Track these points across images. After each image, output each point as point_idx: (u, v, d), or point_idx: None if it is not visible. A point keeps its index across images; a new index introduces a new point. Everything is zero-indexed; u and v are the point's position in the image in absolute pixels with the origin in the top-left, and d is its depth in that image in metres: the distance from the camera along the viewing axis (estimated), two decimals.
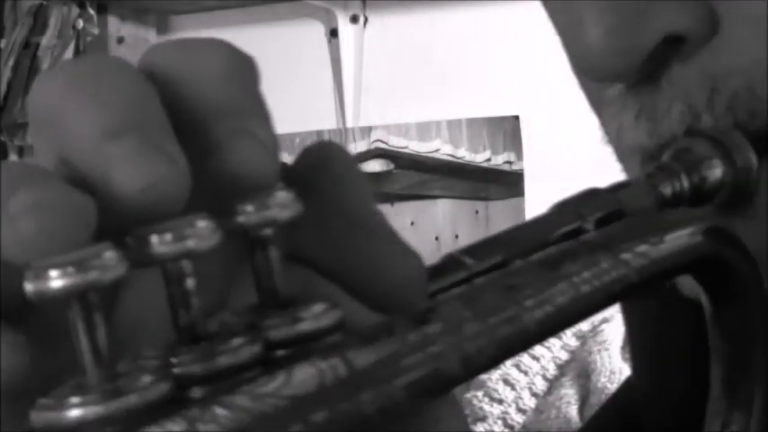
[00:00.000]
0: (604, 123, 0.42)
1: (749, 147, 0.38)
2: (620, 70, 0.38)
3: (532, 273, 0.30)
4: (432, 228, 2.29)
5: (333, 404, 0.25)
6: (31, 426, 0.24)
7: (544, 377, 1.20)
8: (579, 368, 1.18)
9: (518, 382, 1.21)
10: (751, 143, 0.38)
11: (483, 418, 1.17)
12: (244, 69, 0.28)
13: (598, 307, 0.32)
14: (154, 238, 0.25)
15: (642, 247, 0.32)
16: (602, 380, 1.11)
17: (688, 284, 0.39)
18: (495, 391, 1.20)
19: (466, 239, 2.26)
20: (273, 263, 0.28)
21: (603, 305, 0.32)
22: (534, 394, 1.20)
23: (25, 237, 0.24)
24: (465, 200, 2.29)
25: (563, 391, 1.09)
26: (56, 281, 0.24)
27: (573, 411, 1.07)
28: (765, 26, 0.37)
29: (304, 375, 0.25)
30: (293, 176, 0.28)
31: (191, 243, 0.25)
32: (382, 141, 2.31)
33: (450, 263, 0.31)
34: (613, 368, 1.14)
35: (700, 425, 0.37)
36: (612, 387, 1.08)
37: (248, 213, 0.27)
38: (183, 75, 0.28)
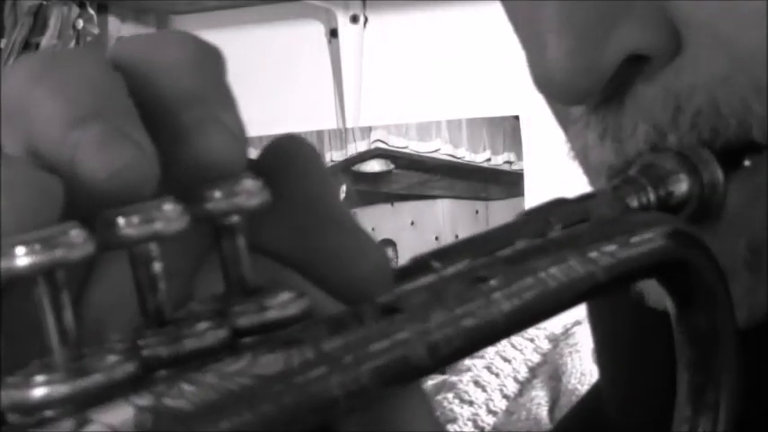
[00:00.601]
0: (570, 140, 0.43)
1: (715, 162, 0.38)
2: (582, 92, 0.38)
3: (500, 267, 0.30)
4: (432, 228, 2.30)
5: (300, 385, 0.25)
6: None
7: (515, 379, 1.21)
8: (551, 370, 1.19)
9: (489, 384, 1.21)
10: (717, 158, 0.38)
11: (453, 420, 1.18)
12: (209, 59, 0.29)
13: (565, 304, 0.32)
14: (121, 220, 0.26)
15: (609, 247, 0.33)
16: (573, 382, 1.12)
17: (653, 294, 0.40)
18: (466, 392, 1.20)
19: None
20: (240, 251, 0.28)
21: (571, 303, 0.32)
22: (505, 396, 1.20)
23: None
24: (465, 200, 2.29)
25: (534, 393, 1.10)
26: (22, 258, 0.24)
27: (543, 413, 1.07)
28: (728, 44, 0.37)
29: (271, 357, 0.25)
30: (257, 169, 0.28)
31: (158, 226, 0.26)
32: (382, 141, 2.31)
33: (418, 265, 0.31)
34: (584, 370, 1.14)
35: None
36: (583, 389, 1.09)
37: (216, 200, 0.27)
38: (149, 65, 0.28)
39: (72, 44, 2.16)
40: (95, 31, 2.19)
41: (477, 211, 2.29)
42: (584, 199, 0.37)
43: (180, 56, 0.28)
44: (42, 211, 0.25)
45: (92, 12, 2.19)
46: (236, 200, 0.27)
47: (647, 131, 0.39)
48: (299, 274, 0.29)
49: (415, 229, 2.30)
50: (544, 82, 0.38)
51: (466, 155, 2.28)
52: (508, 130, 2.26)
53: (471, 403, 1.20)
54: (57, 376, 0.24)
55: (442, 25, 2.23)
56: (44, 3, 2.15)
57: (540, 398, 1.13)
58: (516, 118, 2.24)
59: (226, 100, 0.28)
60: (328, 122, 2.33)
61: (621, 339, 0.49)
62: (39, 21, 2.16)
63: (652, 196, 0.38)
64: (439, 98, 2.25)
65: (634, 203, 0.38)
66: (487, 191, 2.28)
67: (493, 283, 0.30)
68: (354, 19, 2.29)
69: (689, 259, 0.35)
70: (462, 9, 2.18)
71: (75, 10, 2.17)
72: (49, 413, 0.24)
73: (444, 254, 0.32)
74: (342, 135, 2.33)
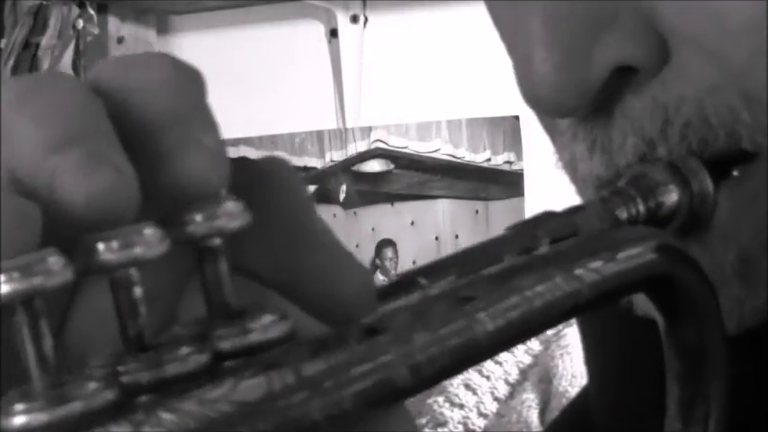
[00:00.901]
0: (558, 151, 0.42)
1: (705, 172, 0.38)
2: (570, 106, 0.38)
3: (484, 286, 0.30)
4: (432, 228, 2.29)
5: (280, 411, 0.25)
6: None
7: (506, 381, 1.20)
8: (542, 372, 1.18)
9: (480, 387, 1.21)
10: (707, 168, 0.38)
11: (444, 423, 1.18)
12: (188, 80, 0.29)
13: (551, 322, 0.32)
14: (101, 246, 0.25)
15: (595, 264, 0.32)
16: (564, 384, 1.12)
17: (642, 303, 0.40)
18: (456, 396, 1.20)
19: (466, 239, 2.26)
20: (222, 274, 0.28)
21: (557, 320, 0.32)
22: (496, 399, 1.20)
23: None
24: (465, 200, 2.29)
25: (524, 396, 1.09)
26: (1, 286, 0.24)
27: (534, 415, 1.07)
28: (715, 54, 0.37)
29: (252, 382, 0.25)
30: (236, 190, 0.28)
31: (138, 250, 0.26)
32: (382, 141, 2.31)
33: (404, 282, 0.31)
34: (575, 372, 1.14)
35: None
36: (573, 391, 1.08)
37: (197, 223, 0.27)
38: (128, 88, 0.28)
39: (72, 44, 2.16)
40: (95, 31, 2.19)
41: (477, 211, 2.29)
42: (572, 212, 0.37)
43: (159, 78, 0.28)
44: (20, 237, 0.25)
45: (92, 12, 2.19)
46: (217, 222, 0.27)
47: (636, 144, 0.38)
48: (282, 296, 0.29)
49: (415, 229, 2.30)
50: (531, 96, 0.38)
51: (466, 155, 2.28)
52: (508, 130, 2.26)
53: (462, 406, 1.20)
54: (36, 405, 0.24)
55: (442, 25, 2.23)
56: (44, 3, 2.15)
57: (530, 400, 1.13)
58: (516, 118, 2.24)
59: (205, 121, 0.28)
60: (328, 122, 2.33)
61: (610, 347, 0.49)
62: (39, 21, 2.16)
63: (641, 207, 0.38)
64: (439, 98, 2.25)
65: (623, 215, 0.38)
66: (487, 191, 2.28)
67: (477, 302, 0.29)
68: (354, 19, 2.29)
69: (675, 274, 0.35)
70: (462, 9, 2.18)
71: (75, 10, 2.17)
72: None
73: (431, 270, 0.32)
74: (342, 135, 2.33)
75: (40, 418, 0.24)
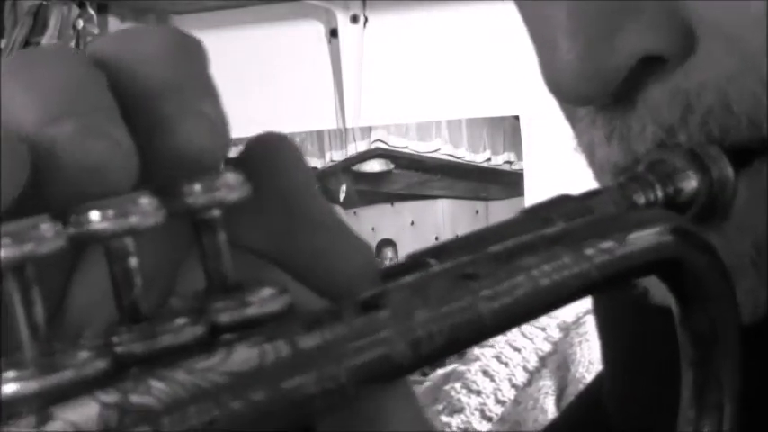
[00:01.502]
0: (576, 136, 0.42)
1: (725, 159, 0.37)
2: (592, 95, 0.37)
3: (489, 263, 0.30)
4: (432, 228, 2.29)
5: (273, 383, 0.25)
6: None
7: (525, 368, 1.19)
8: (560, 359, 1.18)
9: (498, 374, 1.20)
10: (727, 156, 0.38)
11: (460, 410, 1.17)
12: (190, 50, 0.29)
13: (558, 302, 0.31)
14: (95, 214, 0.25)
15: (605, 244, 0.32)
16: (581, 370, 1.11)
17: (658, 291, 0.39)
18: (474, 382, 1.19)
19: None
20: (221, 246, 0.27)
21: (564, 301, 0.31)
22: (514, 385, 1.19)
23: None
24: (465, 200, 2.29)
25: (542, 383, 1.09)
26: None
27: (550, 402, 1.06)
28: (738, 42, 0.37)
29: (245, 353, 0.25)
30: (239, 165, 0.28)
31: (133, 220, 0.25)
32: (382, 141, 2.31)
33: (414, 263, 0.30)
34: (592, 359, 1.13)
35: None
36: (590, 377, 1.08)
37: (195, 194, 0.27)
38: (128, 59, 0.28)
39: (72, 44, 2.16)
40: (95, 31, 2.19)
41: (477, 211, 2.29)
42: (588, 196, 0.36)
43: (159, 48, 0.28)
44: (13, 171, 0.24)
45: (92, 12, 2.19)
46: (217, 194, 0.27)
47: (655, 132, 0.38)
48: (282, 270, 0.29)
49: (415, 229, 2.30)
50: (554, 85, 0.38)
51: (466, 155, 2.28)
52: (508, 130, 2.26)
53: (479, 393, 1.19)
54: (26, 372, 0.23)
55: (441, 25, 2.23)
56: (44, 3, 2.15)
57: (547, 387, 1.12)
58: (516, 118, 2.24)
59: (206, 90, 0.28)
60: (328, 122, 2.33)
61: (624, 336, 0.49)
62: (39, 21, 2.16)
63: (659, 193, 0.37)
64: (439, 98, 2.25)
65: (641, 200, 0.37)
66: (487, 191, 2.28)
67: (482, 280, 0.29)
68: (354, 19, 2.29)
69: (688, 257, 0.34)
70: (462, 9, 2.18)
71: (75, 10, 2.17)
72: (16, 410, 0.23)
73: (441, 251, 0.31)
74: (342, 135, 2.33)
75: (31, 385, 0.23)
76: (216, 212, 0.27)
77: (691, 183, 0.38)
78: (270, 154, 0.29)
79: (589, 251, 0.31)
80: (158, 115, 0.27)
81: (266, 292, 0.27)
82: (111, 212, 0.25)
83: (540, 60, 0.39)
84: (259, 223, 0.29)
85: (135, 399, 0.23)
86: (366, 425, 0.29)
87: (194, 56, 0.29)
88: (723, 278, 0.35)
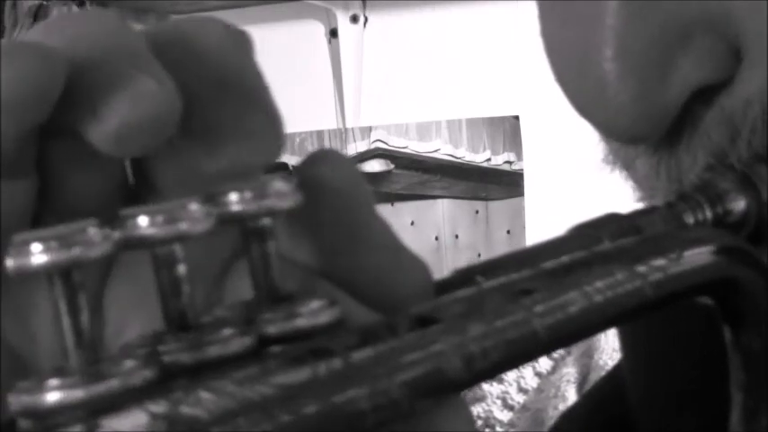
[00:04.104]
0: (612, 152, 0.41)
1: None
2: (649, 134, 0.36)
3: (543, 279, 0.29)
4: (432, 228, 2.30)
5: (324, 396, 0.24)
6: (9, 409, 0.23)
7: (549, 356, 1.18)
8: (585, 347, 1.17)
9: None
10: None
11: (482, 398, 1.16)
12: (243, 45, 0.28)
13: (611, 321, 0.31)
14: (143, 219, 0.24)
15: (659, 261, 0.31)
16: (605, 357, 1.10)
17: None
18: None
19: (466, 239, 2.26)
20: (270, 256, 0.27)
21: (617, 319, 0.31)
22: (537, 374, 1.18)
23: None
24: (465, 200, 2.30)
25: (565, 370, 1.08)
26: (38, 256, 0.23)
27: (571, 390, 1.06)
28: None
29: (295, 366, 0.24)
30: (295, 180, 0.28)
31: (183, 226, 0.25)
32: (382, 141, 2.31)
33: (461, 279, 0.30)
34: (616, 346, 1.12)
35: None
36: (612, 364, 1.07)
37: (246, 201, 0.26)
38: (184, 48, 0.27)
39: None
40: None
41: (477, 212, 2.29)
42: (637, 215, 0.35)
43: (215, 42, 0.28)
44: (44, 80, 0.24)
45: None
46: (267, 201, 0.26)
47: (706, 158, 0.37)
48: (329, 283, 0.29)
49: (415, 229, 2.30)
50: (607, 127, 0.37)
51: (466, 155, 2.28)
52: (508, 130, 2.26)
53: (501, 380, 1.18)
54: (71, 381, 0.23)
55: (441, 25, 2.23)
56: (44, 3, 2.15)
57: (570, 374, 1.12)
58: (516, 118, 2.24)
59: (261, 86, 0.28)
60: (328, 122, 2.33)
61: (642, 333, 0.49)
62: (39, 21, 2.15)
63: (709, 213, 0.36)
64: (439, 98, 2.25)
65: (690, 220, 0.36)
66: (487, 191, 2.28)
67: (535, 296, 0.28)
68: (354, 19, 2.29)
69: (744, 277, 0.33)
70: (462, 9, 2.18)
71: (75, 10, 2.16)
72: (62, 419, 0.23)
73: (489, 268, 0.31)
74: (342, 135, 2.33)
75: (76, 394, 0.23)
76: (266, 221, 0.27)
77: (739, 204, 0.37)
78: (328, 171, 0.29)
79: (642, 268, 0.31)
80: (219, 112, 0.27)
81: (316, 303, 0.27)
82: (160, 218, 0.24)
83: (587, 100, 0.37)
84: (313, 238, 0.29)
85: (184, 410, 0.23)
86: None
87: (250, 50, 0.28)
88: None
